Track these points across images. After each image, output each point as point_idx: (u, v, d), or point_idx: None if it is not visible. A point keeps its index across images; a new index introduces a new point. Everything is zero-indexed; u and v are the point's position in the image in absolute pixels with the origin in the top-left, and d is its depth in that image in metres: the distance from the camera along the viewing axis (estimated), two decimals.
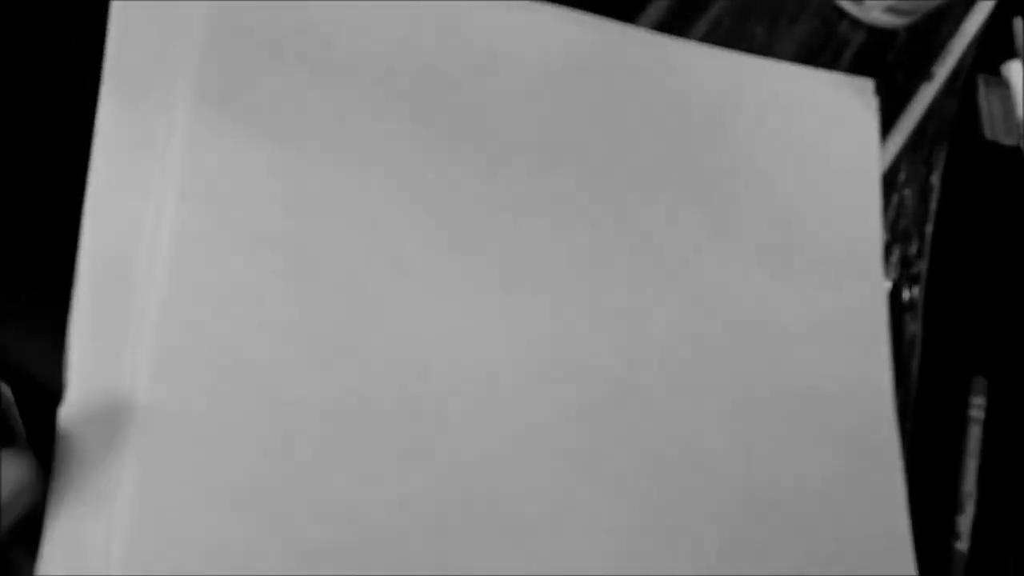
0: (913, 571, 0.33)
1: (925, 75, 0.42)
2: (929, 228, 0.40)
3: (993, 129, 0.43)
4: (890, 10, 0.40)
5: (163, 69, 0.29)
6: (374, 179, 0.30)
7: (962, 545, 0.36)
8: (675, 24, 0.38)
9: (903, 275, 0.38)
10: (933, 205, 0.40)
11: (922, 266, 0.39)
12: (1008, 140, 0.42)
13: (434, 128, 0.32)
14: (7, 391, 0.27)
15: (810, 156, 0.37)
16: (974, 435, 0.37)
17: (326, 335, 0.28)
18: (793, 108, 0.38)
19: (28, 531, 0.25)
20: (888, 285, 0.38)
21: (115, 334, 0.27)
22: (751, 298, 0.34)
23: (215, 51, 0.29)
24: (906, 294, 0.38)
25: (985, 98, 0.43)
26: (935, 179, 0.41)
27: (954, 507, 0.37)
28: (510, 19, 0.34)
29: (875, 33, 0.41)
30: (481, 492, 0.28)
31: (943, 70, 0.42)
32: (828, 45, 0.41)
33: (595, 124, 0.34)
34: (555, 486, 0.29)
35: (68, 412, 0.26)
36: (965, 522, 0.36)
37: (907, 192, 0.40)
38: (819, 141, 0.38)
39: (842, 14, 0.41)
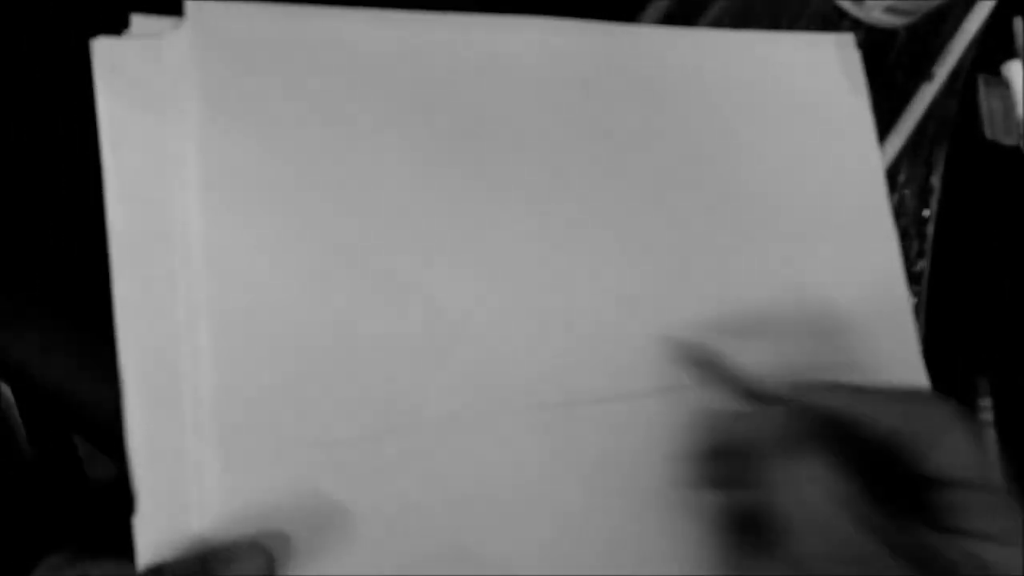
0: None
1: (925, 75, 0.42)
2: (929, 228, 0.40)
3: (993, 129, 0.43)
4: (890, 10, 0.40)
5: (164, 120, 0.29)
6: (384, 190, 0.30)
7: None
8: (675, 24, 0.38)
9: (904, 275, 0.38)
10: (933, 205, 0.40)
11: (922, 266, 0.39)
12: (1008, 140, 0.42)
13: (439, 127, 0.32)
14: (7, 391, 0.27)
15: (806, 116, 0.38)
16: (987, 439, 0.37)
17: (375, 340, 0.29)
18: (781, 72, 0.38)
19: None
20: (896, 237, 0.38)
21: (173, 422, 0.26)
22: (773, 265, 0.35)
23: (212, 97, 0.29)
24: None
25: (985, 98, 0.43)
26: (935, 179, 0.41)
27: None
28: (506, 28, 0.34)
29: (875, 33, 0.41)
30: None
31: (943, 70, 0.42)
32: None
33: (594, 125, 0.34)
34: None
35: (142, 521, 0.26)
36: None
37: (907, 192, 0.40)
38: (812, 100, 0.38)
39: (842, 14, 0.41)
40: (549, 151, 0.33)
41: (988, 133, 0.43)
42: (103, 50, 0.29)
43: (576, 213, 0.33)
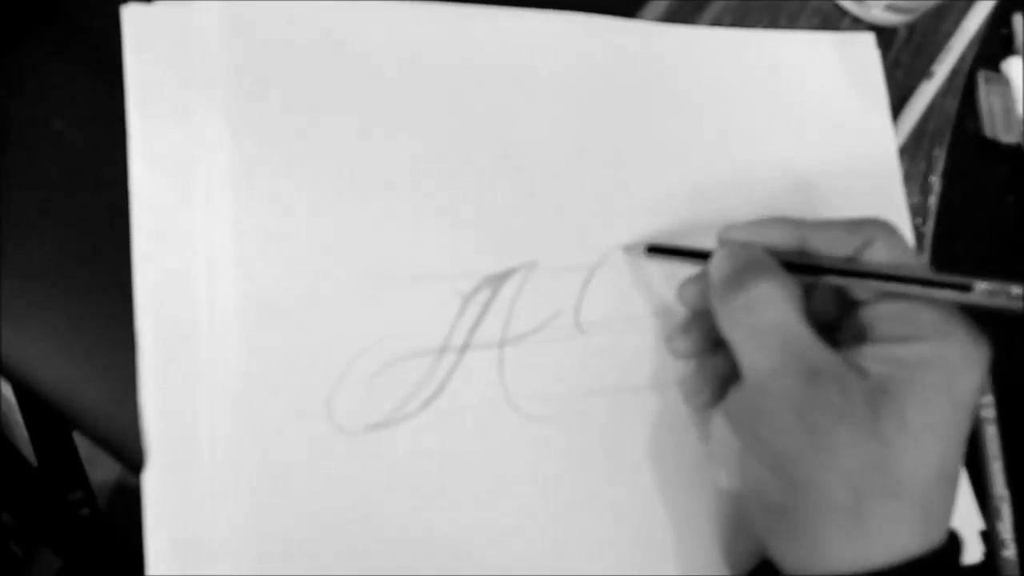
0: None
1: (925, 73, 0.42)
2: (929, 227, 0.40)
3: (993, 126, 0.43)
4: (890, 8, 0.40)
5: (190, 85, 0.29)
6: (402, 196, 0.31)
7: (1009, 552, 0.35)
8: (674, 22, 0.38)
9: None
10: (933, 204, 0.40)
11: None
12: (1008, 138, 0.42)
13: (454, 136, 0.32)
14: (7, 391, 0.27)
15: (824, 115, 0.38)
16: (991, 435, 0.37)
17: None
18: (801, 71, 0.38)
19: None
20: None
21: (187, 392, 0.27)
22: None
23: (239, 66, 0.29)
24: None
25: (985, 96, 0.43)
26: (935, 178, 0.41)
27: (988, 515, 0.36)
28: (518, 23, 0.34)
29: (875, 31, 0.41)
30: None
31: (943, 68, 0.42)
32: None
33: (610, 119, 0.34)
34: None
35: (153, 474, 0.26)
36: (1006, 528, 0.35)
37: (907, 191, 0.39)
38: (831, 98, 0.38)
39: (842, 12, 0.41)
40: (556, 144, 0.33)
41: (988, 131, 0.42)
42: (133, 16, 0.29)
43: (587, 208, 0.33)
